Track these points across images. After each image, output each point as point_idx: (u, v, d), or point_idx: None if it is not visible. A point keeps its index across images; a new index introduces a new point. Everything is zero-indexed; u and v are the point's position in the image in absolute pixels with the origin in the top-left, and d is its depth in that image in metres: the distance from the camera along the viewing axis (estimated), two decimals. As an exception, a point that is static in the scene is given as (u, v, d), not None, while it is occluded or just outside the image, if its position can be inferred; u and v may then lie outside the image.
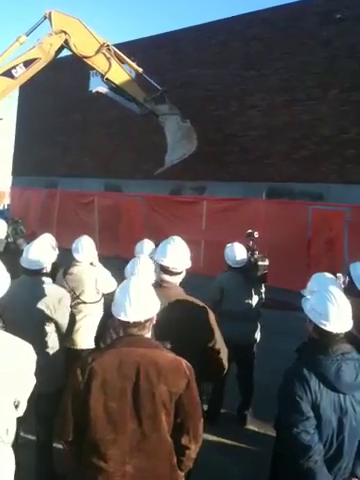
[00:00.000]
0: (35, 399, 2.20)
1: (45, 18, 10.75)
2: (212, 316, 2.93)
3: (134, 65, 11.89)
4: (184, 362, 2.27)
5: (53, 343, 3.61)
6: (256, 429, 4.75)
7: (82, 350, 4.30)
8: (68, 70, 15.33)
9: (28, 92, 18.30)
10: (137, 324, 2.23)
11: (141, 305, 2.23)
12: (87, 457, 2.15)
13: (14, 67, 10.48)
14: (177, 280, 2.95)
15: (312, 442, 2.25)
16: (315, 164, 11.58)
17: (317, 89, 11.77)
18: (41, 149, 18.00)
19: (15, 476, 2.19)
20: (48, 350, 3.53)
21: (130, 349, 2.19)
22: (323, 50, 11.71)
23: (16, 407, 2.11)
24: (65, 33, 10.73)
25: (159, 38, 15.35)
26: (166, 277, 2.90)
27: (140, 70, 11.99)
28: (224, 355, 2.89)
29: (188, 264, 2.99)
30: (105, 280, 4.76)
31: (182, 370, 2.22)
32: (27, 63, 10.60)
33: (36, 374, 2.30)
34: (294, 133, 12.00)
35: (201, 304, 2.92)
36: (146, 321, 2.26)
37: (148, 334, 2.31)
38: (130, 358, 2.16)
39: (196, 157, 12.54)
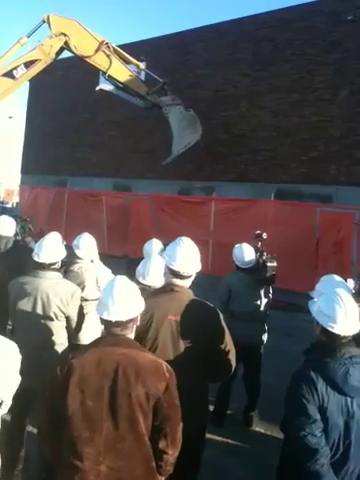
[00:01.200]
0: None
1: (44, 22, 10.86)
2: (222, 317, 2.94)
3: (134, 60, 11.93)
4: (164, 364, 2.24)
5: (63, 339, 3.62)
6: (262, 430, 4.74)
7: (84, 346, 4.31)
8: (78, 69, 15.37)
9: (38, 91, 18.42)
10: (119, 324, 2.22)
11: (124, 305, 2.22)
12: (65, 455, 2.13)
13: (15, 68, 10.65)
14: (188, 283, 2.93)
15: (319, 445, 2.25)
16: (324, 165, 11.53)
17: (327, 90, 11.71)
18: (50, 148, 18.07)
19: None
20: (57, 346, 3.54)
21: (111, 348, 2.18)
22: (333, 51, 11.65)
23: None
24: (65, 35, 10.86)
25: (168, 38, 15.35)
26: (177, 281, 2.86)
27: (141, 65, 12.04)
28: (232, 356, 2.90)
29: (199, 267, 2.95)
30: (106, 277, 4.77)
31: (162, 372, 2.19)
32: (28, 64, 10.78)
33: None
34: (303, 134, 11.95)
35: (212, 306, 2.93)
36: (128, 321, 2.24)
37: (131, 335, 2.30)
38: (110, 357, 2.15)
39: (205, 157, 12.52)
